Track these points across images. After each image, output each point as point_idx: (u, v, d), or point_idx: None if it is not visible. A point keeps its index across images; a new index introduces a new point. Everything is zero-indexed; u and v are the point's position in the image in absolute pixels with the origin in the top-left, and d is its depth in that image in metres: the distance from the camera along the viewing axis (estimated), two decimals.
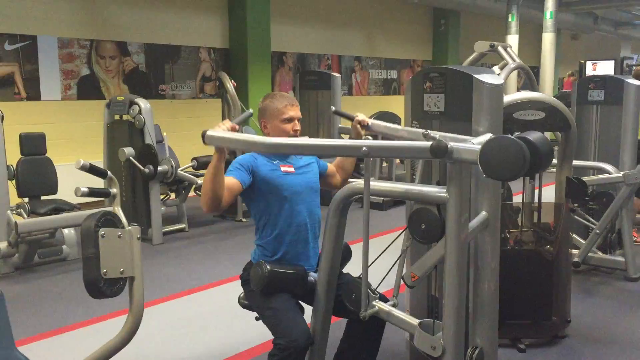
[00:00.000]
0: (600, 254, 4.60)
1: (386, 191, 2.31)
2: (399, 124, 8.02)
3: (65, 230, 5.15)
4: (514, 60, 3.93)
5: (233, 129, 2.37)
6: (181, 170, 5.79)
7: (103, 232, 1.90)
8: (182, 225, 6.19)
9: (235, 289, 4.44)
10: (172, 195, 6.43)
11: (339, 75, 7.37)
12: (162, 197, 5.99)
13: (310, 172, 2.71)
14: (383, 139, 2.74)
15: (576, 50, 18.61)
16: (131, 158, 5.52)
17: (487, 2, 11.87)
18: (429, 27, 12.58)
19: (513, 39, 11.54)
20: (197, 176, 6.01)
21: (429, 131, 2.38)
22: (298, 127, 2.65)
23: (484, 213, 2.49)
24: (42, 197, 5.23)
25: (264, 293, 2.46)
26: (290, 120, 2.62)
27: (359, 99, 10.97)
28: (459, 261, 2.16)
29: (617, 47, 20.11)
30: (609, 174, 4.41)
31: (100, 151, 6.27)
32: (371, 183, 2.41)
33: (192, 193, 6.27)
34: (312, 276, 2.58)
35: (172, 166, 5.63)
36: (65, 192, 5.61)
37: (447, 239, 2.14)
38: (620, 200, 4.39)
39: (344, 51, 10.65)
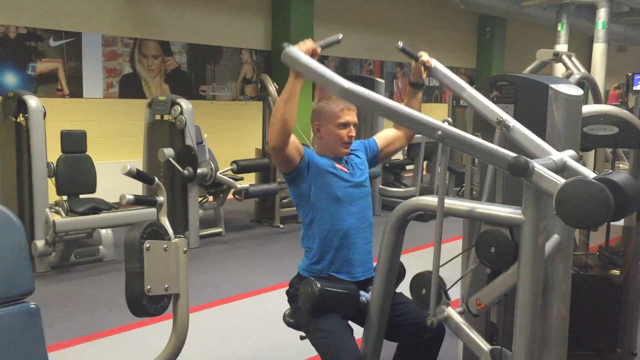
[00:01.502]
0: None
1: (451, 209, 2.11)
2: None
3: (103, 231, 5.07)
4: (579, 70, 3.69)
5: (314, 52, 2.17)
6: (220, 173, 5.67)
7: (148, 245, 1.75)
8: (219, 230, 6.07)
9: (274, 300, 4.33)
10: (210, 198, 6.31)
11: (383, 80, 7.18)
12: (199, 199, 5.88)
13: (364, 173, 2.53)
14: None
15: (623, 62, 18.04)
16: (171, 159, 5.41)
17: (535, 10, 11.53)
18: (473, 35, 12.29)
19: (562, 49, 11.18)
20: (236, 180, 5.88)
21: (504, 118, 2.19)
22: (353, 133, 2.48)
23: (556, 236, 2.28)
24: (81, 196, 5.17)
25: (313, 313, 2.28)
26: (346, 125, 2.45)
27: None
28: (534, 290, 1.96)
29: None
30: None
31: (139, 151, 6.20)
32: (434, 198, 2.23)
33: (230, 196, 6.15)
34: (364, 296, 2.39)
35: (211, 169, 5.51)
36: (104, 191, 5.56)
37: (521, 266, 1.93)
38: None
39: (386, 57, 10.45)
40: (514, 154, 1.84)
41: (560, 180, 1.77)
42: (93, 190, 5.25)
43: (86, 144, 5.27)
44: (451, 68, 12.35)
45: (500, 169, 1.87)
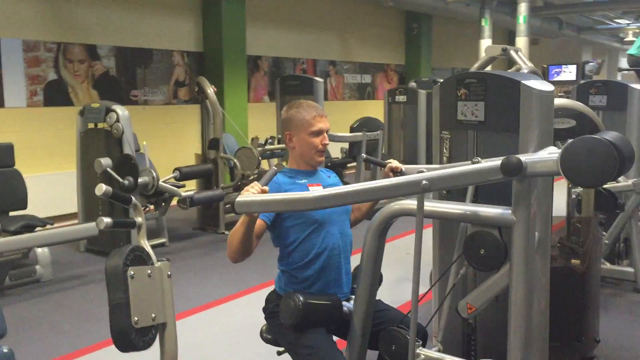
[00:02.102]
0: (608, 264, 4.46)
1: (439, 212, 2.05)
2: (384, 129, 7.79)
3: (39, 250, 4.73)
4: (526, 64, 3.76)
5: (263, 192, 2.11)
6: (163, 181, 5.42)
7: (132, 272, 1.59)
8: (163, 240, 5.82)
9: (232, 311, 4.18)
10: (151, 208, 6.04)
11: (321, 80, 7.11)
12: None
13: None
14: None
15: (537, 55, 18.82)
16: (109, 169, 5.12)
17: (459, 6, 11.80)
18: (401, 31, 12.45)
19: (486, 43, 11.50)
20: (178, 187, 5.65)
21: (478, 158, 2.17)
22: (327, 140, 2.38)
23: (536, 234, 2.27)
24: (11, 213, 4.81)
25: (296, 328, 2.18)
26: (319, 133, 2.35)
27: (334, 103, 10.74)
28: (527, 290, 1.93)
29: (577, 52, 20.45)
30: (617, 182, 4.26)
31: (71, 161, 5.87)
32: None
33: (173, 202, 5.90)
34: (346, 306, 2.31)
35: (153, 177, 5.26)
36: (35, 206, 5.21)
37: (513, 266, 1.91)
38: (630, 209, 4.26)
39: (318, 55, 10.41)
40: (499, 161, 1.79)
41: (555, 154, 1.72)
42: (24, 207, 4.90)
43: (14, 158, 4.92)
44: (382, 65, 12.46)
45: (497, 180, 1.82)
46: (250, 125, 8.47)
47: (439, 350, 2.19)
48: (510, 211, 1.90)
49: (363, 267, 2.23)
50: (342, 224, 2.38)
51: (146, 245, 1.76)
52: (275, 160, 7.52)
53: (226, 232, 6.28)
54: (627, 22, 16.69)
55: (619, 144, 1.67)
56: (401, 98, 8.68)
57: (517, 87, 2.31)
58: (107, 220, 1.69)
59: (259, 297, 4.47)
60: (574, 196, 3.73)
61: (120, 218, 1.80)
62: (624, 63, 25.18)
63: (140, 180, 5.17)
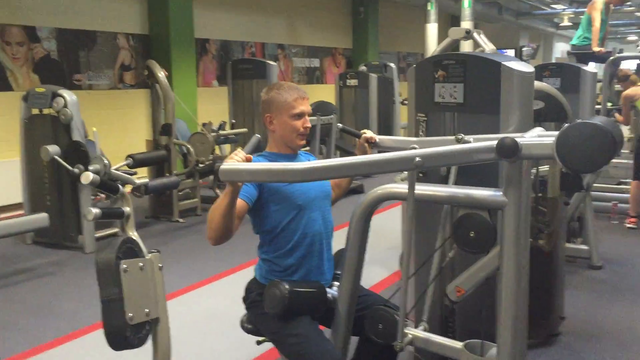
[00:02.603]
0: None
1: (429, 195, 2.02)
2: (337, 113, 7.74)
3: None
4: (488, 46, 3.80)
5: (248, 160, 2.02)
6: (115, 169, 5.21)
7: (125, 266, 1.48)
8: (116, 229, 5.60)
9: (195, 301, 4.07)
10: (102, 197, 5.81)
11: (275, 63, 7.01)
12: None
13: None
14: None
15: None
16: (57, 157, 4.88)
17: None
18: (348, 15, 12.42)
19: (432, 28, 11.65)
20: (131, 175, 5.45)
21: (462, 135, 2.15)
22: (309, 123, 2.31)
23: None
24: None
25: (282, 317, 2.12)
26: (301, 115, 2.27)
27: None
28: (517, 272, 1.94)
29: (515, 37, 20.96)
30: None
31: (13, 149, 5.58)
32: (403, 186, 2.14)
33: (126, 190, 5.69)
34: (330, 293, 2.26)
35: (104, 165, 5.03)
36: None
37: (504, 248, 1.91)
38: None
39: (267, 38, 10.25)
40: (494, 141, 1.78)
41: (550, 138, 1.72)
42: None
43: None
44: (329, 48, 12.38)
45: (490, 161, 1.81)
46: (200, 111, 8.27)
47: (424, 330, 2.18)
48: (501, 193, 1.89)
49: (348, 252, 2.18)
50: (324, 209, 2.32)
51: (136, 236, 1.65)
52: (228, 147, 7.39)
53: (181, 220, 6.13)
54: (563, 7, 17.21)
55: (613, 130, 1.69)
56: (352, 82, 8.68)
57: (498, 69, 2.31)
58: (95, 211, 1.58)
59: (222, 285, 4.42)
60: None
61: (111, 208, 1.68)
62: (558, 47, 26.02)
63: (91, 168, 4.94)
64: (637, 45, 21.66)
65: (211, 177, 6.76)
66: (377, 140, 2.43)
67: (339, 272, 2.35)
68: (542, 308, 3.27)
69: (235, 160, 1.98)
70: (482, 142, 1.81)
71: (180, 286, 4.27)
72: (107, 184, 1.72)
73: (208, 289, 4.27)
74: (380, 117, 8.86)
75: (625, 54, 7.58)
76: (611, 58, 6.22)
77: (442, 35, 12.39)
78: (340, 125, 2.46)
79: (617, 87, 6.55)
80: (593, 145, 1.63)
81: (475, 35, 3.83)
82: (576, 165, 1.68)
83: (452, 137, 2.18)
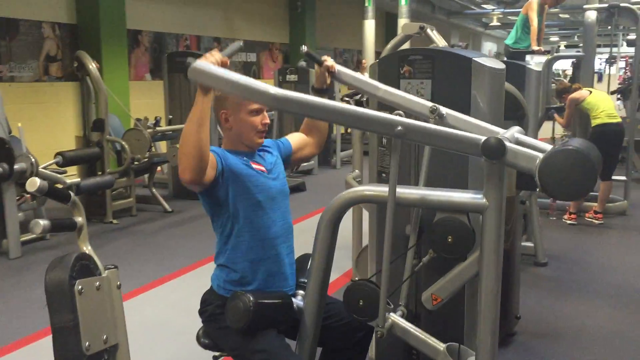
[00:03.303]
0: None
1: (402, 198, 1.89)
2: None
3: None
4: (442, 43, 3.74)
5: (224, 64, 1.79)
6: (43, 167, 4.84)
7: (80, 287, 1.26)
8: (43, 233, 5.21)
9: (137, 309, 3.78)
10: (28, 197, 5.39)
11: None
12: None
13: (281, 173, 2.22)
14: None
15: (422, 36, 19.44)
16: None
17: None
18: (286, 9, 12.22)
19: (370, 24, 11.60)
20: (60, 174, 5.09)
21: (437, 106, 2.01)
22: (268, 119, 2.14)
23: None
24: None
25: (246, 332, 1.94)
26: (259, 111, 2.10)
27: None
28: (497, 277, 1.84)
29: (446, 35, 21.39)
30: None
31: None
32: (378, 188, 2.00)
33: None
34: (296, 303, 2.10)
35: (31, 163, 4.67)
36: None
37: (484, 254, 1.80)
38: None
39: (203, 31, 9.91)
40: (483, 137, 1.68)
41: (538, 154, 1.65)
42: None
43: None
44: (267, 43, 12.16)
45: (469, 154, 1.70)
46: (133, 105, 7.88)
47: (402, 315, 2.04)
48: (481, 195, 1.78)
49: (315, 259, 2.02)
50: (284, 210, 2.17)
51: (89, 250, 1.43)
52: (163, 144, 7.07)
53: (115, 222, 5.79)
54: (492, 7, 17.67)
55: (594, 156, 1.64)
56: (292, 77, 8.52)
57: (468, 64, 2.22)
58: (44, 222, 1.36)
59: (163, 292, 4.16)
60: None
61: (61, 219, 1.45)
62: (486, 46, 26.80)
63: (16, 167, 4.58)
64: (559, 46, 22.61)
65: (147, 176, 6.43)
66: (336, 70, 2.22)
67: (303, 280, 2.20)
68: (500, 308, 3.23)
69: (210, 62, 1.75)
70: (469, 134, 1.70)
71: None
72: (57, 191, 1.49)
73: (147, 296, 4.00)
74: None
75: (562, 53, 7.77)
76: (549, 57, 6.34)
77: (378, 32, 12.43)
78: (305, 47, 2.22)
79: (553, 85, 6.70)
80: (576, 174, 1.58)
81: (428, 31, 3.75)
82: (558, 193, 1.63)
83: (424, 101, 2.04)
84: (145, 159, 5.80)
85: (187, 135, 1.82)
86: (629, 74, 18.44)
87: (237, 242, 2.06)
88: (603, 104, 5.45)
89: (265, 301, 1.97)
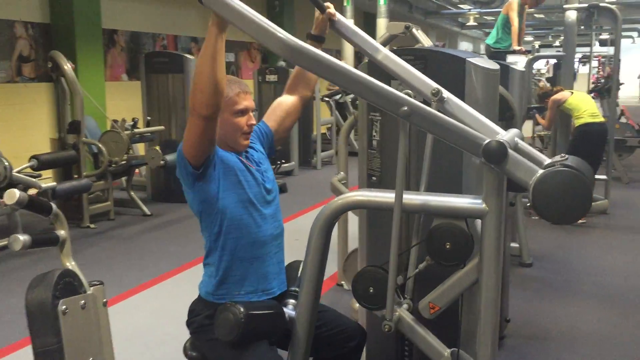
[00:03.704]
0: None
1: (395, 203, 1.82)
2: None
3: None
4: (427, 43, 3.69)
5: None
6: (17, 171, 4.68)
7: (64, 307, 1.17)
8: (4, 241, 5.04)
9: (118, 317, 3.64)
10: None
11: (193, 57, 6.62)
12: None
13: (268, 169, 2.16)
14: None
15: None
16: None
17: None
18: (263, 9, 12.10)
19: (349, 24, 11.56)
20: (35, 177, 4.93)
21: (440, 88, 1.94)
22: (254, 120, 2.07)
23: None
24: None
25: (236, 344, 1.86)
26: (244, 112, 2.04)
27: None
28: (497, 286, 1.79)
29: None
30: None
31: None
32: (371, 194, 1.94)
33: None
34: (287, 313, 2.03)
35: (5, 167, 4.51)
36: None
37: (484, 260, 1.75)
38: None
39: (180, 31, 9.75)
40: (487, 138, 1.63)
41: (537, 169, 1.61)
42: None
43: None
44: (245, 43, 12.00)
45: (471, 153, 1.64)
46: (109, 107, 7.71)
47: (408, 309, 1.97)
48: (480, 200, 1.73)
49: (307, 268, 1.95)
50: (275, 207, 2.11)
51: (73, 265, 1.34)
52: (141, 146, 6.93)
53: (92, 226, 5.64)
54: (469, 7, 17.76)
55: (589, 176, 1.60)
56: (272, 77, 8.43)
57: (462, 65, 2.16)
58: (24, 237, 1.26)
59: (144, 299, 4.03)
60: None
61: (42, 233, 1.35)
62: (462, 46, 26.96)
63: None
64: (533, 46, 22.81)
65: (124, 178, 6.29)
66: (337, 18, 2.13)
67: (294, 289, 2.12)
68: None
69: None
70: (474, 132, 1.64)
71: None
72: (37, 204, 1.39)
73: (128, 304, 3.88)
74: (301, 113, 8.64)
75: (543, 53, 7.80)
76: (530, 57, 6.35)
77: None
78: None
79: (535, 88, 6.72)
80: (571, 198, 1.55)
81: (414, 31, 3.69)
82: (553, 218, 1.60)
83: (427, 80, 1.97)
84: (123, 162, 5.67)
85: (201, 70, 1.74)
86: (602, 73, 18.75)
87: (226, 240, 1.99)
88: (585, 104, 5.47)
89: (257, 312, 1.89)
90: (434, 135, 1.67)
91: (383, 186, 2.46)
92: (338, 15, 2.11)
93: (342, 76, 1.63)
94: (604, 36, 14.35)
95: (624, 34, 21.47)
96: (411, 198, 1.82)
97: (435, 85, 1.94)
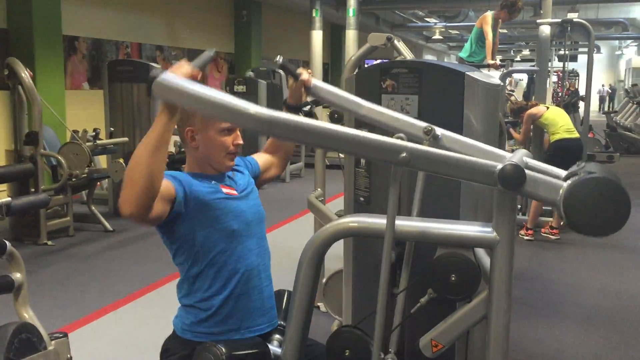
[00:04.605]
0: None
1: (401, 232, 1.65)
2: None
3: None
4: (409, 55, 3.56)
5: (194, 77, 1.50)
6: None
7: None
8: None
9: (72, 345, 3.37)
10: None
11: (159, 66, 6.38)
12: None
13: (253, 193, 1.96)
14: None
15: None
16: None
17: None
18: (231, 18, 11.90)
19: (317, 35, 11.45)
20: None
21: (432, 126, 1.78)
22: (241, 140, 1.87)
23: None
24: None
25: None
26: (231, 130, 1.83)
27: None
28: (507, 323, 1.63)
29: (390, 48, 21.49)
30: None
31: None
32: (367, 220, 1.75)
33: None
34: (273, 351, 1.83)
35: None
36: None
37: (494, 293, 1.59)
38: None
39: (144, 39, 9.46)
40: (498, 164, 1.46)
41: (561, 183, 1.45)
42: None
43: None
44: None
45: (485, 184, 1.48)
46: (69, 116, 7.37)
47: None
48: (490, 228, 1.57)
49: (296, 300, 1.75)
50: (260, 236, 1.91)
51: (31, 316, 1.11)
52: (103, 158, 6.63)
53: (49, 243, 5.32)
54: (435, 21, 17.90)
55: (619, 180, 1.45)
56: (240, 88, 8.23)
57: (461, 79, 2.01)
58: None
59: (106, 324, 3.76)
60: None
61: None
62: (427, 59, 27.19)
63: None
64: (509, 62, 23.10)
65: (85, 192, 5.97)
66: (312, 84, 1.95)
67: (279, 322, 1.93)
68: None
69: (178, 75, 1.46)
70: (483, 160, 1.47)
71: (52, 327, 3.57)
72: None
73: (87, 330, 3.60)
74: None
75: (516, 67, 7.80)
76: (504, 71, 6.31)
77: (323, 43, 12.28)
78: (280, 58, 1.92)
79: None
80: (609, 207, 1.38)
81: (395, 42, 3.55)
82: (592, 229, 1.42)
83: (416, 121, 1.81)
84: (84, 175, 5.37)
85: (138, 161, 1.50)
86: (561, 88, 19.05)
87: (206, 279, 1.78)
88: (561, 120, 5.43)
89: (240, 352, 1.69)
90: (440, 174, 1.49)
91: (372, 208, 2.30)
92: (313, 80, 1.93)
93: (329, 138, 1.42)
94: (561, 52, 14.56)
95: (580, 50, 21.97)
96: (412, 225, 1.64)
97: (425, 124, 1.78)
